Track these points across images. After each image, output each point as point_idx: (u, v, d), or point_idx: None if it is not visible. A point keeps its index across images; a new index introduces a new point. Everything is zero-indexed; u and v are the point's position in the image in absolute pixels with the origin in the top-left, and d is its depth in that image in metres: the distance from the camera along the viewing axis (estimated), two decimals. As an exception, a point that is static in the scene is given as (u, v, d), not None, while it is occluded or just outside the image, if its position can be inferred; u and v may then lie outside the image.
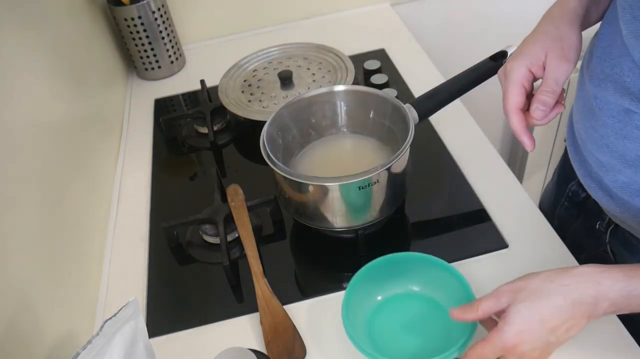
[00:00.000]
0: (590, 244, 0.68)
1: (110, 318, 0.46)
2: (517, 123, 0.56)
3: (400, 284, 0.64)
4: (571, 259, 0.65)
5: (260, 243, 0.73)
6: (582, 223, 0.70)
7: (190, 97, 1.05)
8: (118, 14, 1.02)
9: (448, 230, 0.72)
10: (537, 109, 0.55)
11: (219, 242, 0.71)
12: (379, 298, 0.63)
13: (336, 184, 0.62)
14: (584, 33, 0.59)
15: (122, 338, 0.46)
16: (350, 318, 0.58)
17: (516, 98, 0.56)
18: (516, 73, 0.56)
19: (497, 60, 0.67)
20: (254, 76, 0.99)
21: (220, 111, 0.94)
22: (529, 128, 0.57)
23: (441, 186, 0.78)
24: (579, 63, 0.60)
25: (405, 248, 0.65)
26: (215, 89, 0.97)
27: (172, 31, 1.09)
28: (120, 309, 0.47)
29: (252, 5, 1.18)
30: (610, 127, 0.53)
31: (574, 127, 0.63)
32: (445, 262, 0.61)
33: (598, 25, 0.63)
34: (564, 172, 0.75)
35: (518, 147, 1.49)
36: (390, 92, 0.93)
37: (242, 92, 0.96)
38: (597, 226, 0.66)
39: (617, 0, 0.51)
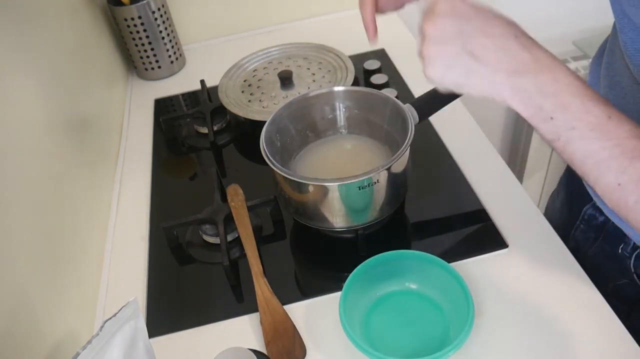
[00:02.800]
0: (612, 268, 0.67)
1: (110, 318, 0.46)
2: (368, 14, 0.61)
3: (397, 281, 0.64)
4: (571, 260, 0.65)
5: (260, 243, 0.73)
6: (601, 247, 0.69)
7: (190, 97, 1.05)
8: (118, 14, 1.02)
9: (448, 230, 0.72)
10: None
11: (219, 242, 0.71)
12: (377, 295, 0.63)
13: (336, 184, 0.62)
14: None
15: (122, 338, 0.46)
16: (348, 315, 0.58)
17: (371, 4, 0.60)
18: None
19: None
20: (254, 76, 0.99)
21: (220, 110, 0.94)
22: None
23: (441, 186, 0.78)
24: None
25: (405, 248, 0.65)
26: (215, 89, 0.97)
27: (172, 31, 1.09)
28: (120, 309, 0.47)
29: (252, 5, 1.18)
30: None
31: None
32: (441, 260, 0.61)
33: (593, 46, 0.63)
34: (574, 192, 0.74)
35: (518, 147, 1.49)
36: (390, 92, 0.93)
37: (242, 92, 0.96)
38: (620, 251, 0.65)
39: (618, 35, 0.51)
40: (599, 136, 0.42)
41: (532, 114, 0.44)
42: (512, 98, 0.44)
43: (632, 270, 0.64)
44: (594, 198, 0.64)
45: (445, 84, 0.47)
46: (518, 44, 0.44)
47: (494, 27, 0.45)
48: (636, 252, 0.63)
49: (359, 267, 0.62)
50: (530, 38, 0.45)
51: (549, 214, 0.79)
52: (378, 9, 0.62)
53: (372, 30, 0.62)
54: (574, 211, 0.73)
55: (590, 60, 0.66)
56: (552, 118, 0.43)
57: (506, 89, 0.44)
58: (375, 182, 0.63)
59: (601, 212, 0.68)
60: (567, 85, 0.43)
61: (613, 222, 0.63)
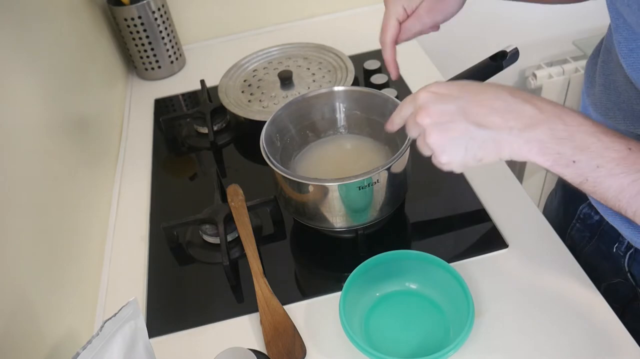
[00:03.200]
0: (606, 267, 0.67)
1: (110, 318, 0.46)
2: (389, 55, 0.66)
3: (397, 281, 0.64)
4: (571, 260, 0.65)
5: (260, 243, 0.73)
6: (596, 246, 0.69)
7: (190, 97, 1.05)
8: (118, 14, 1.02)
9: (448, 230, 0.72)
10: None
11: (219, 242, 0.71)
12: (377, 295, 0.63)
13: (336, 184, 0.62)
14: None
15: (122, 338, 0.46)
16: (348, 315, 0.58)
17: (392, 32, 0.63)
18: (393, 9, 0.62)
19: (497, 60, 0.67)
20: (254, 76, 0.99)
21: (220, 110, 0.94)
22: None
23: (441, 186, 0.78)
24: (577, 85, 0.61)
25: (405, 248, 0.65)
26: (215, 89, 0.97)
27: (172, 31, 1.09)
28: (120, 309, 0.47)
29: (252, 5, 1.18)
30: None
31: None
32: (441, 260, 0.61)
33: (593, 46, 0.63)
34: (571, 191, 0.73)
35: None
36: (390, 92, 0.93)
37: (242, 92, 0.96)
38: (615, 249, 0.65)
39: (613, 34, 0.51)
40: (626, 170, 0.42)
41: (554, 161, 0.43)
42: (530, 152, 0.44)
43: (626, 269, 0.64)
44: (593, 202, 0.64)
45: (466, 165, 0.47)
46: (516, 99, 0.44)
47: (484, 93, 0.46)
48: (630, 251, 0.63)
49: (359, 267, 0.62)
50: (522, 91, 0.45)
51: (546, 214, 0.80)
52: (398, 40, 0.65)
53: (394, 70, 0.66)
54: (570, 210, 0.73)
55: (589, 60, 0.66)
56: (574, 162, 0.43)
57: (522, 145, 0.44)
58: (375, 182, 0.63)
59: (596, 211, 0.68)
60: (579, 126, 0.43)
61: (608, 222, 0.63)
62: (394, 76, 0.68)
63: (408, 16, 0.62)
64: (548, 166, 0.44)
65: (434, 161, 0.49)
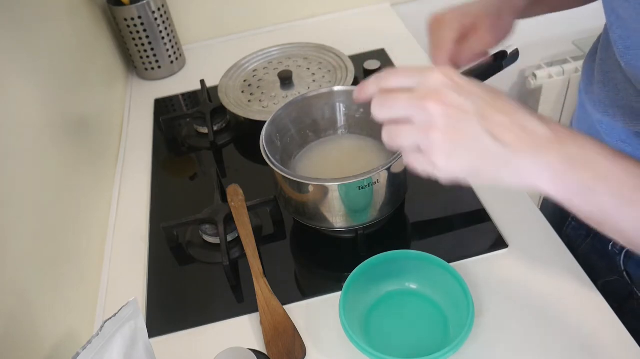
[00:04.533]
0: (603, 266, 0.67)
1: (110, 318, 0.46)
2: None
3: (397, 281, 0.64)
4: (571, 260, 0.65)
5: (260, 243, 0.73)
6: (592, 244, 0.69)
7: (190, 97, 1.05)
8: (118, 14, 1.02)
9: (448, 230, 0.72)
10: None
11: (219, 242, 0.71)
12: (377, 295, 0.63)
13: (336, 184, 0.62)
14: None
15: (122, 338, 0.46)
16: (348, 315, 0.58)
17: (446, 58, 0.59)
18: (449, 34, 0.58)
19: (497, 60, 0.67)
20: (254, 76, 0.99)
21: (220, 110, 0.94)
22: None
23: (441, 186, 0.78)
24: (577, 85, 0.61)
25: (405, 248, 0.65)
26: (215, 89, 0.97)
27: (172, 31, 1.09)
28: (120, 309, 0.47)
29: (252, 5, 1.18)
30: None
31: None
32: (441, 260, 0.61)
33: (590, 45, 0.63)
34: None
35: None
36: (390, 92, 0.93)
37: (242, 92, 0.96)
38: (610, 248, 0.65)
39: (609, 31, 0.51)
40: None
41: (566, 190, 0.38)
42: (540, 178, 0.38)
43: (622, 267, 0.64)
44: None
45: (462, 173, 0.41)
46: (532, 117, 0.39)
47: (500, 100, 0.40)
48: (626, 250, 0.63)
49: (359, 267, 0.62)
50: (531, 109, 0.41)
51: (543, 211, 0.80)
52: (458, 63, 0.61)
53: None
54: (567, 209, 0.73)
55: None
56: (590, 188, 0.38)
57: (529, 169, 0.38)
58: (375, 182, 0.63)
59: None
60: (598, 154, 0.38)
61: None
62: None
63: (463, 35, 0.57)
64: (560, 195, 0.39)
65: (416, 159, 0.42)
